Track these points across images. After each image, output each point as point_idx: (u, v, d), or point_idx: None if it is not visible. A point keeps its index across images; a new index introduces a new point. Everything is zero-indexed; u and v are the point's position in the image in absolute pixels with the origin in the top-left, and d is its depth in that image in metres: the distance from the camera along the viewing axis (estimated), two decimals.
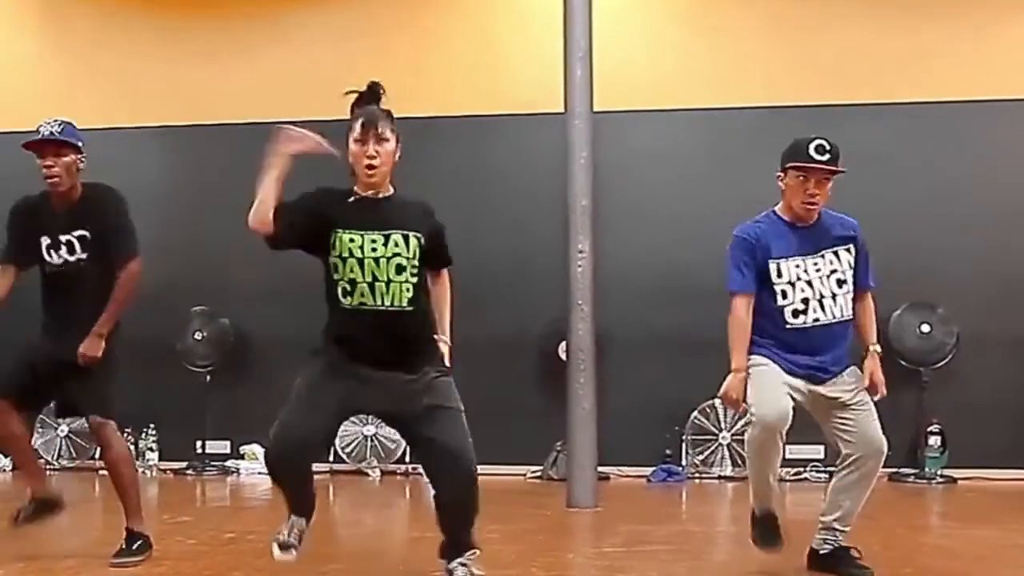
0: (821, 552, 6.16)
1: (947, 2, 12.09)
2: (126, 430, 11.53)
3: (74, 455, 12.41)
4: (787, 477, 11.16)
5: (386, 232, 5.48)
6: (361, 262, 5.45)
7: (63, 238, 6.76)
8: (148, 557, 6.66)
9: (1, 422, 6.79)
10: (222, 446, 12.04)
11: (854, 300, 6.16)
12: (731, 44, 12.25)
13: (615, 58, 11.15)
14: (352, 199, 5.56)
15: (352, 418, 11.75)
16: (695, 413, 11.74)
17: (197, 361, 12.12)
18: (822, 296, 6.03)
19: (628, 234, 11.76)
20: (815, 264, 6.05)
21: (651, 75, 12.18)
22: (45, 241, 6.79)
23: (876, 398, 6.06)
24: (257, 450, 12.11)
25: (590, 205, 9.27)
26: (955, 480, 11.26)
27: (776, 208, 6.21)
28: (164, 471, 11.44)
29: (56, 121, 6.84)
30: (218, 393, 11.84)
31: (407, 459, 11.92)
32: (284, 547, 5.64)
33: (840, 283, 6.06)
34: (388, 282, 5.45)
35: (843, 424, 6.02)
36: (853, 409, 6.01)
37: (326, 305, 5.63)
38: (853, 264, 6.12)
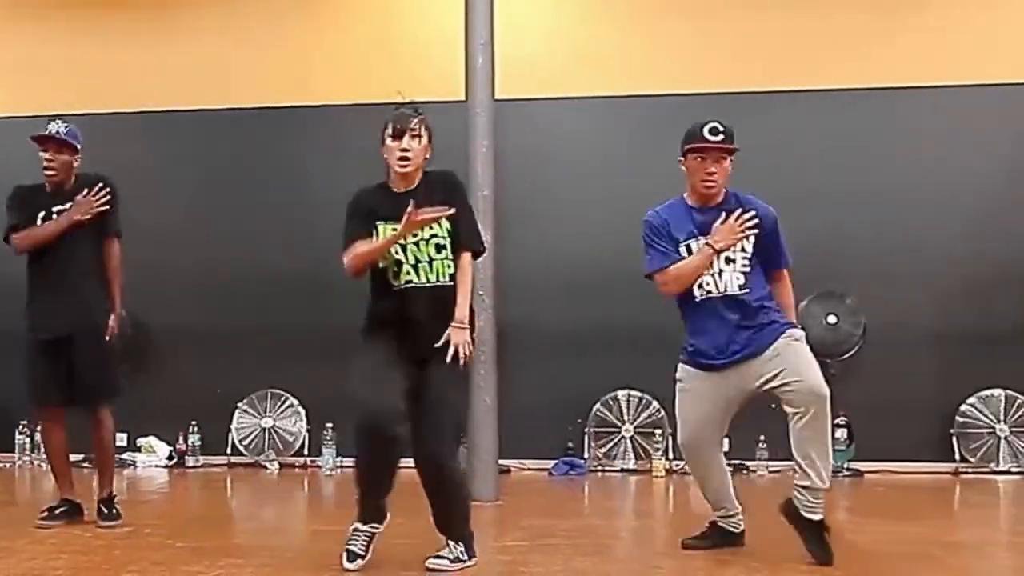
0: (801, 513, 6.43)
1: None
2: (21, 422, 11.63)
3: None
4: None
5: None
6: (404, 247, 6.07)
7: (56, 209, 7.64)
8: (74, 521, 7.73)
9: (57, 436, 7.97)
10: (119, 438, 11.98)
11: (770, 281, 6.67)
12: (637, 30, 12.35)
13: (518, 45, 11.29)
14: (389, 194, 6.21)
15: (251, 410, 11.96)
16: (598, 405, 11.88)
17: None
18: (715, 271, 6.49)
19: (531, 225, 11.93)
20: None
21: (555, 62, 12.29)
22: (41, 215, 7.65)
23: None
24: (154, 442, 12.17)
25: (492, 195, 9.38)
26: (861, 474, 11.48)
27: (684, 194, 6.74)
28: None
29: (64, 123, 7.82)
30: None
31: (305, 452, 12.13)
32: (351, 558, 6.08)
33: (728, 260, 6.51)
34: (431, 261, 6.12)
35: (781, 394, 6.41)
36: (781, 379, 6.37)
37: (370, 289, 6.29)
38: (752, 246, 6.53)
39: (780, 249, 6.72)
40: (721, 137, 6.50)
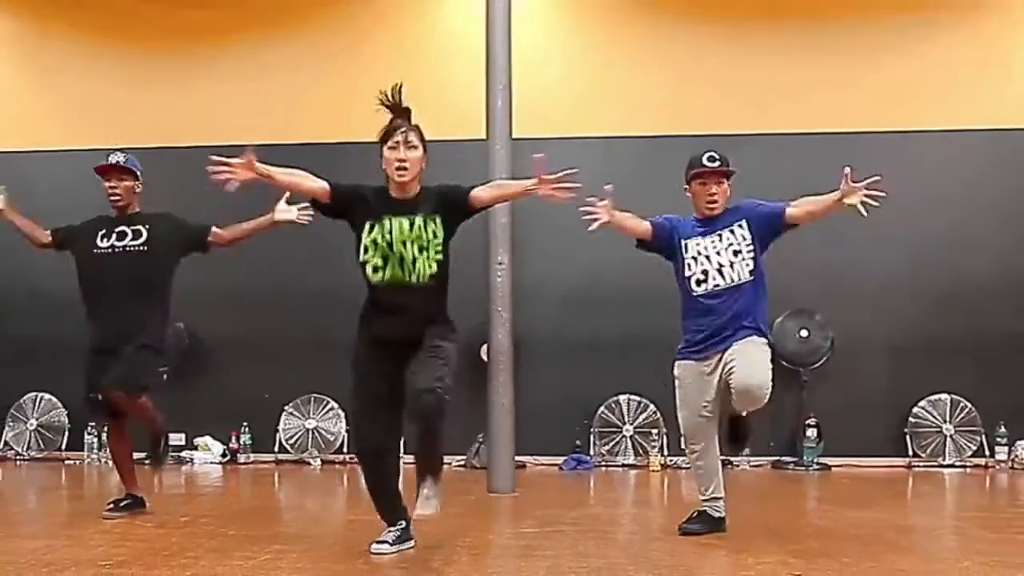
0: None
1: (839, 42, 12.20)
2: (90, 424, 11.40)
3: (42, 447, 12.25)
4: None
5: (411, 217, 5.81)
6: (391, 244, 5.77)
7: (118, 228, 7.35)
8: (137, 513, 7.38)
9: (121, 442, 7.66)
10: (178, 438, 11.85)
11: (792, 212, 6.56)
12: (635, 79, 12.30)
13: (532, 90, 11.13)
14: (385, 195, 5.90)
15: (296, 413, 11.76)
16: (602, 408, 11.80)
17: None
18: (720, 265, 6.54)
19: (543, 248, 11.80)
20: (712, 242, 6.60)
21: (563, 106, 12.20)
22: (100, 231, 7.34)
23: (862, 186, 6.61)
24: (209, 442, 12.05)
25: (509, 222, 9.27)
26: (830, 468, 11.41)
27: (692, 216, 6.79)
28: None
29: (122, 152, 7.55)
30: (174, 390, 11.62)
31: (345, 450, 11.88)
32: (379, 542, 6.05)
33: (736, 252, 6.54)
34: (413, 260, 5.78)
35: (730, 369, 6.40)
36: (735, 356, 6.38)
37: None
38: (750, 234, 6.55)
39: (770, 207, 6.63)
40: (718, 163, 6.65)
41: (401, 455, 6.15)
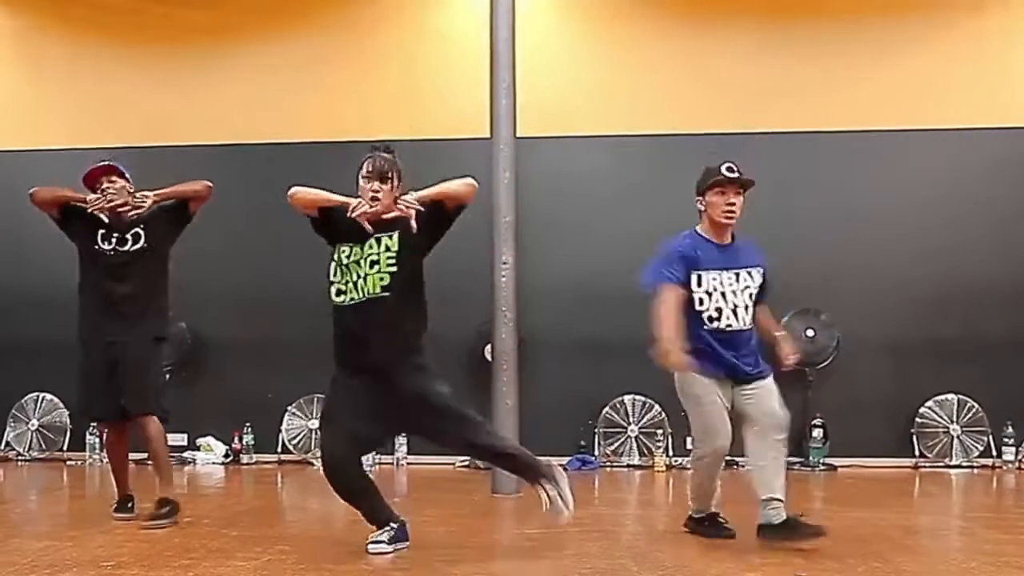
0: (772, 522, 6.29)
1: (840, 41, 12.15)
2: (92, 424, 11.39)
3: (44, 447, 12.24)
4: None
5: (369, 239, 5.91)
6: (347, 267, 5.94)
7: (115, 235, 7.12)
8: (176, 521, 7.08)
9: (116, 447, 7.51)
10: (180, 439, 11.87)
11: (757, 310, 6.52)
12: (639, 78, 12.27)
13: (536, 89, 11.05)
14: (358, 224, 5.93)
15: (299, 413, 11.77)
16: (606, 408, 11.79)
17: None
18: (735, 306, 6.37)
19: (547, 247, 11.76)
20: (730, 280, 6.40)
21: (567, 105, 12.18)
22: (100, 231, 7.12)
23: (793, 361, 6.60)
24: (212, 442, 12.05)
25: (513, 221, 9.25)
26: (835, 468, 11.40)
27: (697, 227, 6.57)
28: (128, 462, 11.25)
29: (110, 157, 7.36)
30: (176, 390, 11.58)
31: None
32: (375, 541, 6.14)
33: (751, 296, 6.42)
34: (365, 277, 5.89)
35: (747, 400, 6.37)
36: (754, 388, 6.38)
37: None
38: (758, 285, 6.46)
39: (767, 283, 6.60)
40: (737, 174, 6.41)
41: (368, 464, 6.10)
